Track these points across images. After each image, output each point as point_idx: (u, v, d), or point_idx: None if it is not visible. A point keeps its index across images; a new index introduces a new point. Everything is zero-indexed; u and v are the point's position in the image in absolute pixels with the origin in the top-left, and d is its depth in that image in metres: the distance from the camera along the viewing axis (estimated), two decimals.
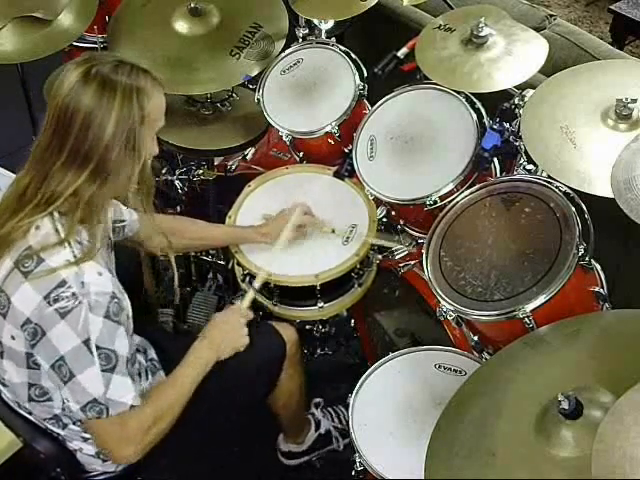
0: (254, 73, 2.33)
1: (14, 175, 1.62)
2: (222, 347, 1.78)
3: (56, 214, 1.52)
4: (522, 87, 1.94)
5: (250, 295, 1.97)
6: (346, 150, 2.28)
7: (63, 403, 1.62)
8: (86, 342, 1.48)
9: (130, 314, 1.59)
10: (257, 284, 2.01)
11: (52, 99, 1.52)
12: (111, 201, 1.68)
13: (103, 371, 1.51)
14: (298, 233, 2.10)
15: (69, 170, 1.49)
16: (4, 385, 1.68)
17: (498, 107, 1.99)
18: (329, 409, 2.36)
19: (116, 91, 1.48)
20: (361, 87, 2.27)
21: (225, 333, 1.81)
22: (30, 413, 1.69)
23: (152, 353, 1.86)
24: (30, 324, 1.49)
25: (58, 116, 1.49)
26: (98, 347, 1.49)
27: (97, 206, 1.55)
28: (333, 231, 2.13)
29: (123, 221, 1.85)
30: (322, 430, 2.31)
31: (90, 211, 1.54)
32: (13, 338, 1.55)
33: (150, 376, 1.80)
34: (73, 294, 1.46)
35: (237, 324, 1.83)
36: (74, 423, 1.68)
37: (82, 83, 1.48)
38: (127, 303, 1.58)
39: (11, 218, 1.53)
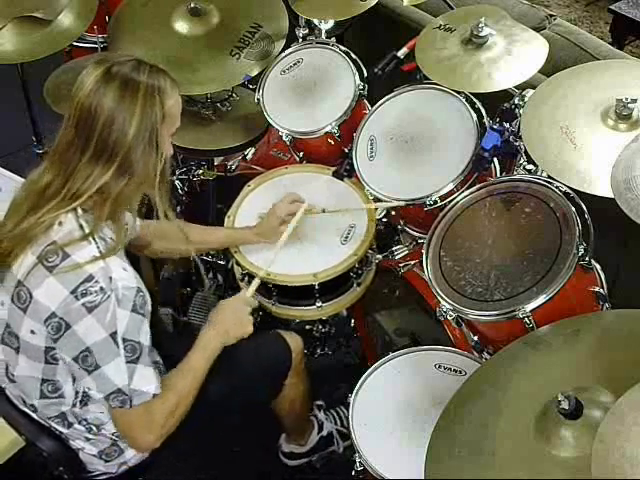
0: (254, 73, 2.33)
1: (14, 175, 1.62)
2: (227, 333, 1.79)
3: (80, 210, 1.53)
4: (522, 87, 1.94)
5: (255, 283, 1.97)
6: (346, 150, 2.28)
7: (75, 397, 1.63)
8: (113, 335, 1.49)
9: (150, 307, 1.61)
10: (262, 272, 2.00)
11: (72, 99, 1.53)
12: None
13: (128, 362, 1.53)
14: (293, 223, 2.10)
15: (95, 168, 1.51)
16: (11, 381, 1.69)
17: (498, 107, 1.99)
18: (332, 411, 2.37)
19: (138, 90, 1.50)
20: (361, 87, 2.27)
21: (230, 319, 1.82)
22: (34, 411, 1.69)
23: (155, 355, 1.86)
24: (55, 318, 1.50)
25: (79, 117, 1.51)
26: (125, 339, 1.51)
27: (124, 204, 1.58)
28: (324, 210, 2.13)
29: (126, 224, 1.86)
30: (324, 432, 2.31)
31: (116, 209, 1.56)
32: (33, 332, 1.55)
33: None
34: (101, 288, 1.48)
35: (242, 311, 1.84)
36: (79, 422, 1.68)
37: (104, 83, 1.50)
38: (148, 296, 1.59)
39: (30, 214, 1.54)
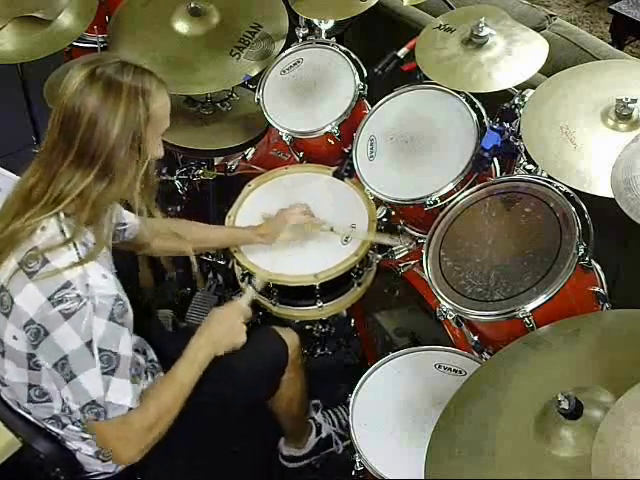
0: (254, 73, 2.33)
1: (14, 175, 1.62)
2: (219, 343, 1.76)
3: (62, 215, 1.52)
4: (522, 87, 1.94)
5: (250, 293, 1.96)
6: (346, 150, 2.28)
7: (63, 403, 1.62)
8: (88, 344, 1.48)
9: (132, 315, 1.59)
10: (258, 285, 2.00)
11: (57, 100, 1.52)
12: (115, 203, 1.69)
13: (104, 374, 1.50)
14: (297, 233, 2.10)
15: (76, 171, 1.50)
16: (3, 385, 1.68)
17: (498, 107, 1.99)
18: (329, 412, 2.36)
19: (122, 92, 1.49)
20: (361, 87, 2.27)
21: (223, 329, 1.79)
22: (29, 413, 1.69)
23: (151, 354, 1.85)
24: (33, 324, 1.49)
25: (63, 117, 1.50)
26: (100, 349, 1.49)
27: (103, 207, 1.56)
28: (332, 229, 2.13)
29: (124, 224, 1.85)
30: (323, 434, 2.31)
31: (96, 212, 1.55)
32: (15, 338, 1.54)
33: (150, 377, 1.80)
34: (77, 296, 1.46)
35: (235, 321, 1.82)
36: (73, 423, 1.68)
37: (87, 84, 1.49)
38: (129, 306, 1.57)
39: (15, 219, 1.53)
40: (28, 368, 1.58)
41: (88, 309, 1.46)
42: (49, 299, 1.46)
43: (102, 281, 1.51)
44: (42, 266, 1.48)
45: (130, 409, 1.55)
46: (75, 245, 1.51)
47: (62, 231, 1.51)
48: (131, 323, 1.57)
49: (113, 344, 1.51)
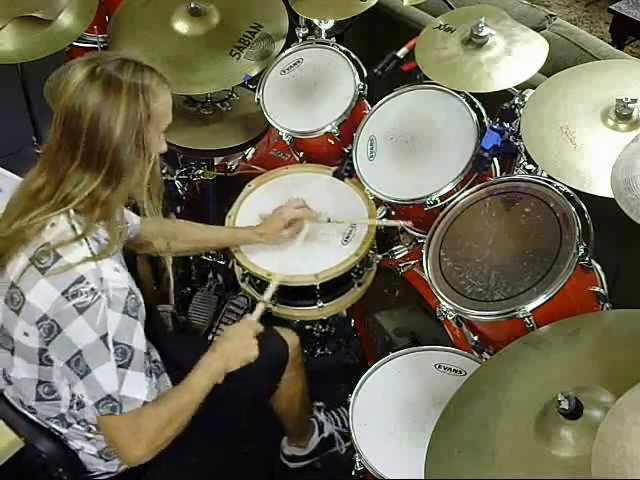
0: (254, 73, 2.33)
1: (15, 176, 1.61)
2: (231, 359, 1.76)
3: (72, 212, 1.52)
4: (522, 87, 1.94)
5: (260, 308, 1.95)
6: (346, 150, 2.28)
7: (72, 400, 1.62)
8: (103, 338, 1.48)
9: (144, 310, 1.59)
10: (267, 296, 1.99)
11: (58, 100, 1.52)
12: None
13: (118, 367, 1.50)
14: (295, 228, 2.10)
15: (85, 173, 1.50)
16: (9, 383, 1.68)
17: (498, 107, 1.99)
18: (332, 412, 2.36)
19: (121, 90, 1.48)
20: (361, 87, 2.27)
21: (235, 345, 1.79)
22: (33, 412, 1.69)
23: (155, 354, 1.85)
24: (46, 320, 1.49)
25: (65, 117, 1.50)
26: (115, 343, 1.49)
27: (113, 206, 1.56)
28: (329, 220, 2.12)
29: (126, 223, 1.85)
30: (325, 434, 2.31)
31: (107, 211, 1.55)
32: (26, 334, 1.55)
33: (154, 378, 1.80)
34: (92, 289, 1.46)
35: (247, 337, 1.81)
36: (78, 422, 1.68)
37: (87, 83, 1.48)
38: (142, 299, 1.58)
39: (21, 217, 1.53)
40: (39, 364, 1.58)
41: (102, 302, 1.47)
42: (63, 294, 1.47)
43: (115, 274, 1.51)
44: (54, 261, 1.48)
45: (145, 403, 1.55)
46: (87, 240, 1.51)
47: (73, 227, 1.51)
48: (143, 317, 1.57)
49: (127, 337, 1.51)
